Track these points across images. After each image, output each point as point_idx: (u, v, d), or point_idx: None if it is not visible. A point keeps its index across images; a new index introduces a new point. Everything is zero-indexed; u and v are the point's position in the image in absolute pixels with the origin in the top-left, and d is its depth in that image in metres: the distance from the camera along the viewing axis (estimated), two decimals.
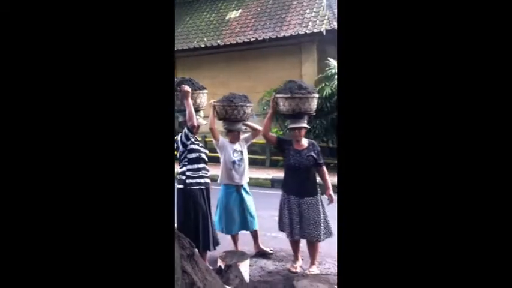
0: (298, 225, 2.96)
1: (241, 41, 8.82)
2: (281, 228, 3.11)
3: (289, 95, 2.95)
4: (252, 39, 8.71)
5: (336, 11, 9.41)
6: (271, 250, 3.48)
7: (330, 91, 7.40)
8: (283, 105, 2.97)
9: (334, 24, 8.70)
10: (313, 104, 3.02)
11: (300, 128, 3.01)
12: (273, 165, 8.13)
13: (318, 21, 8.43)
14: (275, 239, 3.58)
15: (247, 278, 2.65)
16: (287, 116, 3.07)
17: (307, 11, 8.94)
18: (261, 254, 3.42)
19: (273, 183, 6.77)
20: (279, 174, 7.03)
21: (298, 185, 3.00)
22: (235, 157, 3.30)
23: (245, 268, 2.72)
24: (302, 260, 3.18)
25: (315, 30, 8.16)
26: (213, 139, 3.30)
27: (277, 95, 2.98)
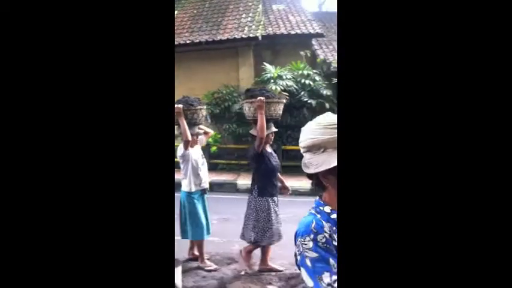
0: (278, 224, 3.00)
1: (177, 43, 8.65)
2: (269, 237, 2.96)
3: (283, 101, 3.04)
4: (188, 42, 8.59)
5: (271, 17, 9.67)
6: (206, 256, 3.44)
7: None
8: (274, 110, 2.99)
9: (270, 30, 8.93)
10: None
11: (274, 132, 3.08)
12: (212, 168, 8.07)
13: (254, 26, 8.58)
14: (211, 243, 3.54)
15: (179, 284, 2.59)
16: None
17: (243, 15, 9.06)
18: (196, 259, 3.37)
19: (212, 187, 6.71)
20: (218, 177, 7.00)
21: (277, 186, 3.08)
22: (200, 161, 3.22)
23: (177, 275, 2.66)
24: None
25: (251, 35, 8.30)
26: (184, 148, 3.11)
27: (269, 100, 2.93)
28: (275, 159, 3.08)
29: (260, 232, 2.96)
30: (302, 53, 8.10)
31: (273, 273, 3.08)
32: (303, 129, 0.98)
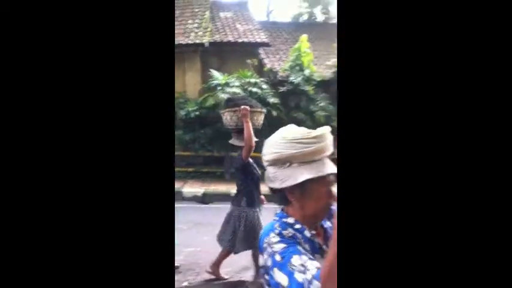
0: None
1: None
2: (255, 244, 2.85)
3: (264, 111, 3.00)
4: None
5: (218, 24, 9.68)
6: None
7: (213, 102, 7.53)
8: (257, 120, 2.90)
9: (217, 37, 8.93)
10: None
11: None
12: None
13: (200, 33, 8.53)
14: None
15: None
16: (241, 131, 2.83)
17: (190, 21, 8.98)
18: None
19: None
20: None
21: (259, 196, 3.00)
22: None
23: None
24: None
25: (198, 41, 8.23)
26: None
27: (253, 109, 2.83)
28: (258, 170, 3.02)
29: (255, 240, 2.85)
30: (249, 61, 8.20)
31: (217, 282, 3.04)
32: (266, 141, 0.95)
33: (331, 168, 0.89)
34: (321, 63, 9.11)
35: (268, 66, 9.00)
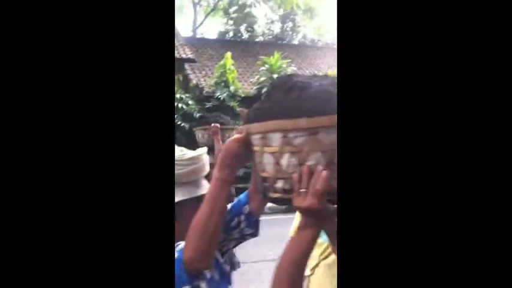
0: None
1: None
2: None
3: (237, 127, 2.96)
4: None
5: None
6: None
7: None
8: (229, 137, 2.81)
9: None
10: None
11: None
12: None
13: None
14: None
15: None
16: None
17: None
18: None
19: None
20: None
21: None
22: None
23: None
24: None
25: None
26: None
27: (224, 126, 2.85)
28: None
29: None
30: (174, 76, 8.21)
31: None
32: None
33: (205, 188, 0.90)
34: (245, 80, 9.47)
35: (194, 82, 9.09)
